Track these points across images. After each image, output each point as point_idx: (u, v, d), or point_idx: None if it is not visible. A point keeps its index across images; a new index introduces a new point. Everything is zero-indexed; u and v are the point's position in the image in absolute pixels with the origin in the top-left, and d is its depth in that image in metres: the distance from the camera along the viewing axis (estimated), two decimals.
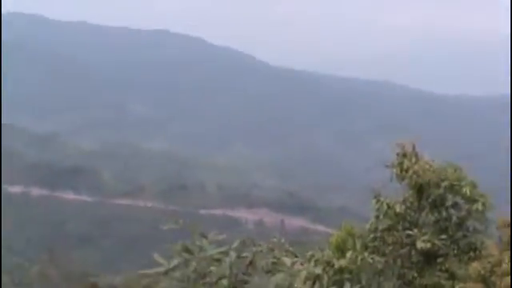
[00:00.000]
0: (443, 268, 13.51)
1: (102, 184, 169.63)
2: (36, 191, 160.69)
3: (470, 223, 13.54)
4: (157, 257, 8.87)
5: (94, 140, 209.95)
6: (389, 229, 13.77)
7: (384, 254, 13.87)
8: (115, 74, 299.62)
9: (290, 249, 10.05)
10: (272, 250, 9.27)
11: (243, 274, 8.92)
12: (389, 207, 13.72)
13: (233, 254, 8.90)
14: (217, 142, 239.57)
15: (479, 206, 13.30)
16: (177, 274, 8.75)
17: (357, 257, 12.79)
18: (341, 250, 13.78)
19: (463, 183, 13.42)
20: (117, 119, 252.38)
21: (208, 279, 8.74)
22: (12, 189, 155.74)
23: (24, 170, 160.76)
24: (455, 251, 13.58)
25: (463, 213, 13.49)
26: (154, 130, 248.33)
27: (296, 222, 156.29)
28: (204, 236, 9.14)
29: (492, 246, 14.15)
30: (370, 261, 12.03)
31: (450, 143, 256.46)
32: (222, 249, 8.97)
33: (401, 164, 13.78)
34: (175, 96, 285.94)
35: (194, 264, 8.73)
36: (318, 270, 9.22)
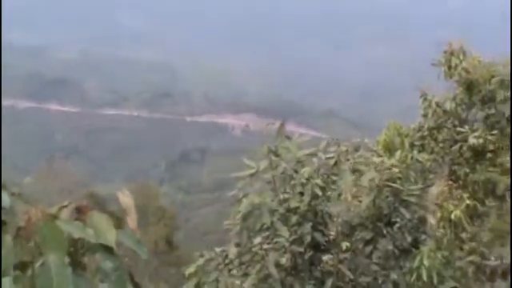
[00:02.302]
0: (495, 163, 13.58)
1: (86, 94, 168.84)
2: (23, 104, 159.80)
3: None
4: (246, 160, 8.84)
5: (81, 52, 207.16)
6: (438, 127, 13.73)
7: (432, 152, 13.89)
8: None
9: (374, 148, 10.03)
10: (356, 149, 9.26)
11: (329, 174, 8.94)
12: (438, 105, 13.64)
13: (322, 155, 8.87)
14: (203, 49, 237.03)
15: None
16: (266, 176, 8.75)
17: (406, 156, 12.76)
18: (388, 150, 13.77)
19: None
20: (104, 30, 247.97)
21: (296, 181, 8.74)
22: None
23: (9, 83, 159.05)
24: (505, 146, 13.61)
25: None
26: (142, 40, 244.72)
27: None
28: (288, 138, 9.07)
29: None
30: (420, 159, 11.97)
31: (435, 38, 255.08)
32: (310, 150, 8.94)
33: (448, 61, 13.60)
34: (165, 2, 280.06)
35: (283, 165, 8.70)
36: (371, 172, 9.11)
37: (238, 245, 8.92)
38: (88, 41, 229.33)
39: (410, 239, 8.94)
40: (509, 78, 13.26)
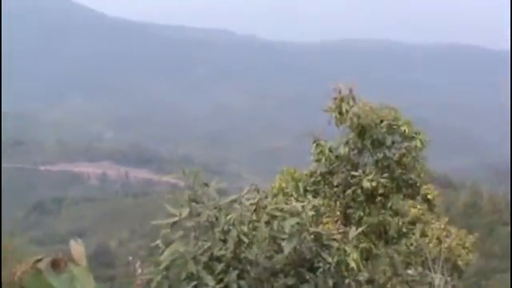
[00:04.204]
0: (387, 205, 14.06)
1: None
2: None
3: (408, 160, 14.09)
4: (168, 206, 8.63)
5: None
6: (330, 171, 14.07)
7: (325, 197, 14.18)
8: None
9: (294, 195, 10.04)
10: (276, 195, 9.28)
11: (250, 221, 8.88)
12: (330, 150, 13.99)
13: (246, 202, 8.82)
14: (53, 96, 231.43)
15: (418, 143, 13.85)
16: (190, 223, 8.58)
17: (302, 201, 12.95)
18: (284, 195, 13.90)
19: (400, 122, 13.89)
20: None
21: (218, 228, 8.62)
22: None
23: None
24: (394, 189, 14.14)
25: (402, 151, 14.02)
26: None
27: (140, 174, 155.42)
28: (206, 184, 8.97)
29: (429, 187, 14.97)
30: (316, 203, 12.17)
31: (289, 88, 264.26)
32: (233, 197, 8.87)
33: (339, 107, 14.00)
34: (7, 51, 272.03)
35: (206, 213, 8.57)
36: (293, 217, 9.20)
37: None
38: None
39: (331, 283, 8.99)
40: (395, 123, 13.87)
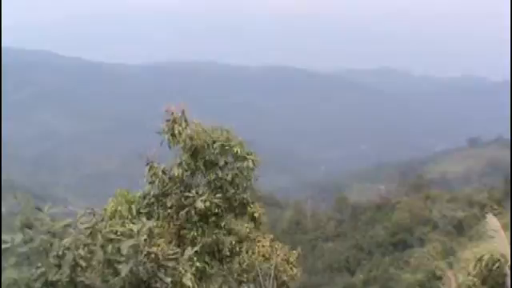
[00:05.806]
0: (220, 225, 14.28)
1: None
2: None
3: (240, 180, 14.37)
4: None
5: None
6: (164, 193, 14.10)
7: (159, 218, 14.19)
8: None
9: (129, 217, 9.93)
10: (111, 218, 9.19)
11: (86, 244, 8.73)
12: (164, 172, 14.03)
13: (81, 226, 8.68)
14: None
15: (250, 164, 14.18)
16: (23, 249, 8.30)
17: (137, 223, 12.93)
18: (119, 217, 13.75)
19: (233, 143, 14.16)
20: None
21: (53, 253, 8.43)
22: None
23: None
24: (227, 208, 14.40)
25: (235, 171, 14.28)
26: None
27: None
28: (40, 209, 8.73)
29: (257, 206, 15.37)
30: (150, 225, 12.22)
31: (116, 111, 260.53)
32: (67, 221, 8.69)
33: (171, 129, 14.00)
34: None
35: (40, 238, 8.35)
36: (130, 239, 9.24)
37: None
38: None
39: None
40: (228, 144, 14.14)
